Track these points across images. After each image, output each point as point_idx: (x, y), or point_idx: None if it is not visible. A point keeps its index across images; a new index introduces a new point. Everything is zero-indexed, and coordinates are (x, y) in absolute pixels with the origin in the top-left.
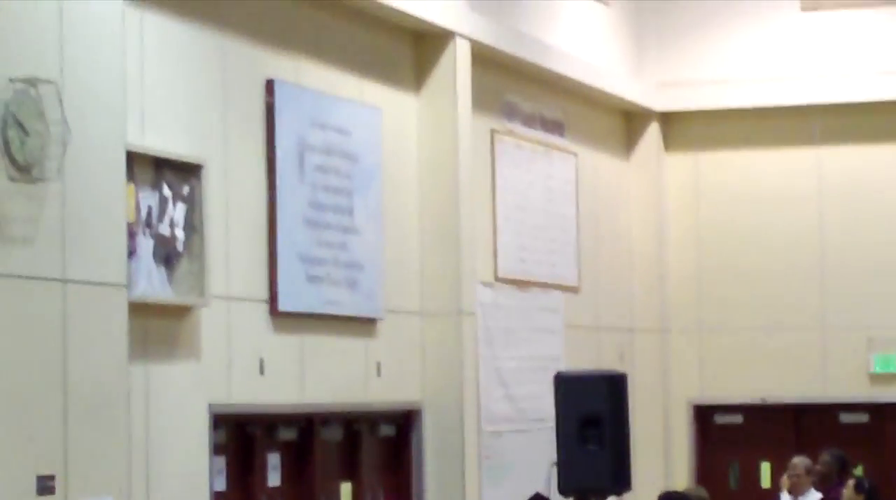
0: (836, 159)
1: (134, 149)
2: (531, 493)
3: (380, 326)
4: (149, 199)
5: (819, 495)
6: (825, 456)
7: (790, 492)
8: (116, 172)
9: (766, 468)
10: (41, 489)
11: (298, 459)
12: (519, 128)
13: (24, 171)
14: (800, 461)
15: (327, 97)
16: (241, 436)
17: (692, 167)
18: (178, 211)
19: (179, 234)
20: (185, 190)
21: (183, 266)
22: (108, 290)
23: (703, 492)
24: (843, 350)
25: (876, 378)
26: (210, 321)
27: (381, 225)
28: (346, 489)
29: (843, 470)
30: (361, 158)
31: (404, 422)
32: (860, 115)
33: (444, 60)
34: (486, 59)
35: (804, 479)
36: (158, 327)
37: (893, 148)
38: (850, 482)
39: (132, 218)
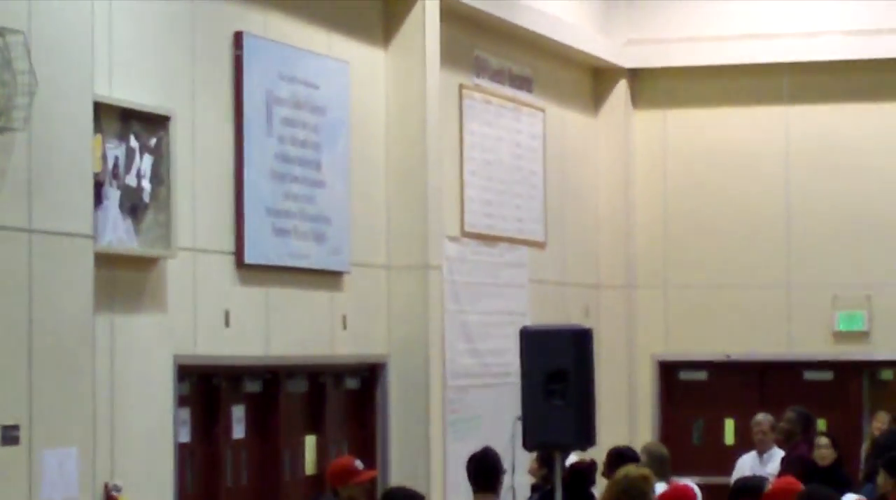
0: (804, 118)
1: (101, 100)
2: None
3: (346, 279)
4: (116, 150)
5: (781, 452)
6: (790, 413)
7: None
8: (83, 122)
9: (730, 425)
10: (5, 439)
11: (263, 411)
12: (487, 83)
13: None
14: (763, 418)
15: (296, 51)
16: (205, 388)
17: (660, 125)
18: (145, 162)
19: (146, 185)
20: (153, 142)
21: (149, 217)
22: (74, 240)
23: (661, 448)
24: (807, 308)
25: (840, 336)
26: (176, 273)
27: (348, 179)
28: (310, 441)
29: (807, 428)
30: (329, 111)
31: (369, 375)
32: (829, 74)
33: (413, 15)
34: (455, 14)
35: (769, 435)
36: (124, 278)
37: (861, 107)
38: (825, 440)
39: (99, 169)
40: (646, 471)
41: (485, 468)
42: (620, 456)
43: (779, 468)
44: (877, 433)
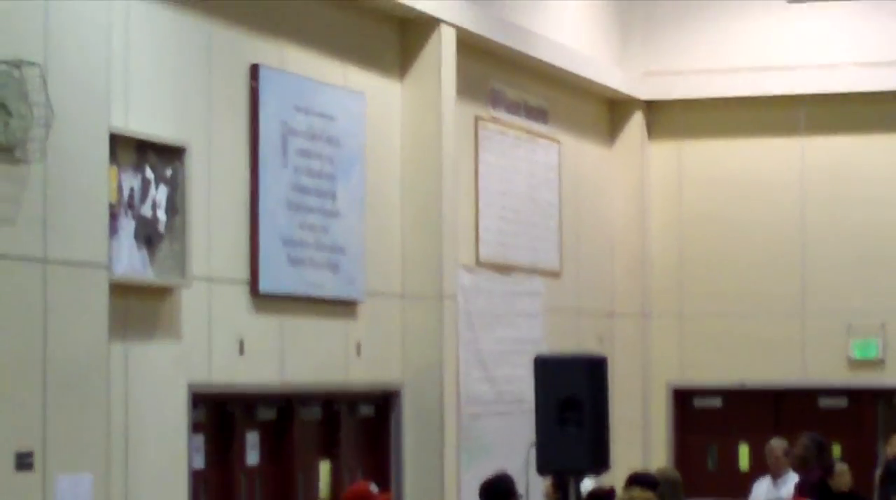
0: (819, 149)
1: (117, 131)
2: (494, 472)
3: (360, 308)
4: (131, 181)
5: (796, 476)
6: (804, 440)
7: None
8: (99, 154)
9: (744, 451)
10: (20, 466)
11: (277, 438)
12: (503, 115)
13: (7, 152)
14: (777, 444)
15: (311, 82)
16: (220, 415)
17: (675, 156)
18: (160, 193)
19: (161, 215)
20: (168, 173)
21: (164, 247)
22: (88, 270)
23: (674, 473)
24: (822, 336)
25: (855, 364)
26: (191, 302)
27: (364, 209)
28: (324, 468)
29: (821, 454)
30: (345, 142)
31: (384, 403)
32: (844, 105)
33: (430, 47)
34: (471, 47)
35: (782, 461)
36: (139, 308)
37: (876, 139)
38: (844, 468)
39: (114, 199)
40: (650, 496)
41: (498, 493)
42: (638, 482)
43: (793, 492)
44: (890, 457)
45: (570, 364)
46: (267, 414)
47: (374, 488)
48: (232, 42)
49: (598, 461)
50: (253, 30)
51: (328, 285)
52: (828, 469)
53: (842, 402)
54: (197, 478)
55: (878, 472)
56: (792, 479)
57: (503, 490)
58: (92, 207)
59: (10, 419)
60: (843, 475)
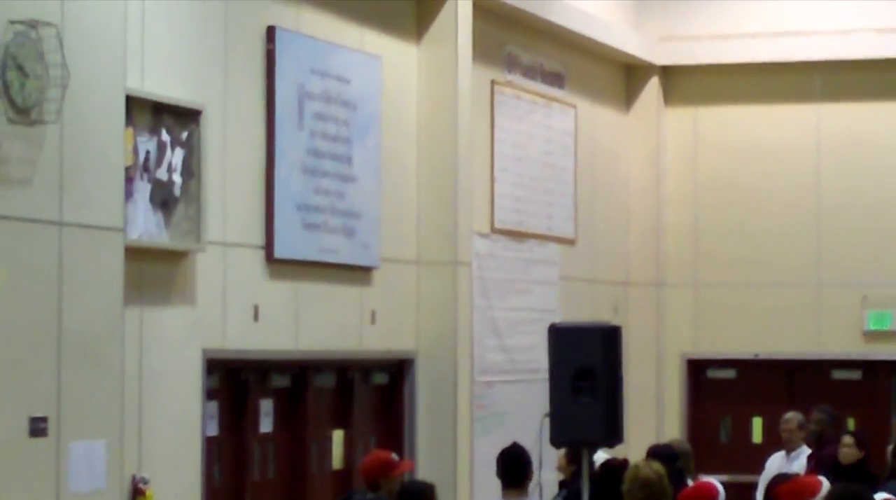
0: (836, 116)
1: (133, 93)
2: (511, 443)
3: (375, 274)
4: (147, 143)
5: (808, 450)
6: (818, 414)
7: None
8: (115, 116)
9: (757, 424)
10: (34, 431)
11: (291, 405)
12: (519, 79)
13: (23, 113)
14: (791, 416)
15: (328, 45)
16: (234, 382)
17: (691, 122)
18: (176, 156)
19: (177, 179)
20: (184, 135)
21: (180, 211)
22: (104, 233)
23: (685, 445)
24: (837, 307)
25: (870, 335)
26: (206, 267)
27: (379, 174)
28: (338, 436)
29: (836, 427)
30: (360, 106)
31: (397, 371)
32: (861, 72)
33: (446, 10)
34: (487, 10)
35: (796, 434)
36: (154, 272)
37: (892, 106)
38: (850, 440)
39: (130, 162)
40: (659, 469)
41: (515, 464)
42: (658, 455)
43: (805, 465)
44: None
45: (585, 333)
46: (281, 381)
47: (394, 457)
48: (248, 4)
49: (612, 433)
50: None
51: (343, 251)
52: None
53: (856, 374)
54: (210, 445)
55: (891, 446)
56: (804, 453)
57: (520, 461)
58: (108, 169)
59: (24, 383)
60: (845, 447)
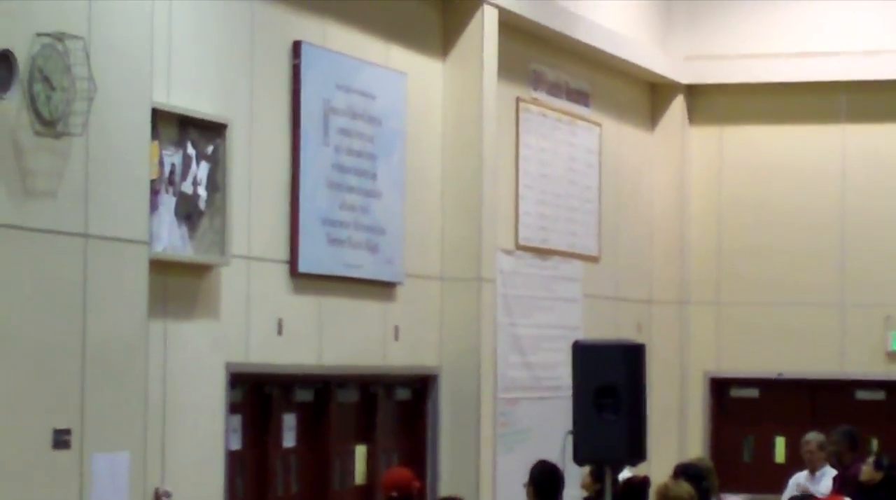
0: (861, 137)
1: (159, 107)
2: (544, 459)
3: (399, 290)
4: (172, 157)
5: (834, 471)
6: (835, 435)
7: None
8: (141, 129)
9: (780, 443)
10: (57, 443)
11: (314, 420)
12: (544, 97)
13: (49, 125)
14: (812, 437)
15: (353, 61)
16: (257, 396)
17: (716, 141)
18: (201, 170)
19: (202, 192)
20: (210, 149)
21: (204, 225)
22: (129, 246)
23: (709, 463)
24: (861, 327)
25: (893, 356)
26: (230, 281)
27: (404, 190)
28: (360, 451)
29: (854, 447)
30: (386, 122)
31: (421, 386)
32: (887, 93)
33: (472, 27)
34: (513, 27)
35: (817, 454)
36: (178, 285)
37: None
38: (870, 460)
39: (155, 175)
40: (689, 488)
41: (551, 481)
42: (686, 472)
43: (831, 486)
44: None
45: (609, 351)
46: (304, 396)
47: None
48: (275, 18)
49: (635, 451)
50: (296, 6)
51: (367, 266)
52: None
53: (879, 394)
54: (233, 459)
55: None
56: (829, 474)
57: (556, 479)
58: (133, 182)
59: (47, 395)
60: (866, 466)
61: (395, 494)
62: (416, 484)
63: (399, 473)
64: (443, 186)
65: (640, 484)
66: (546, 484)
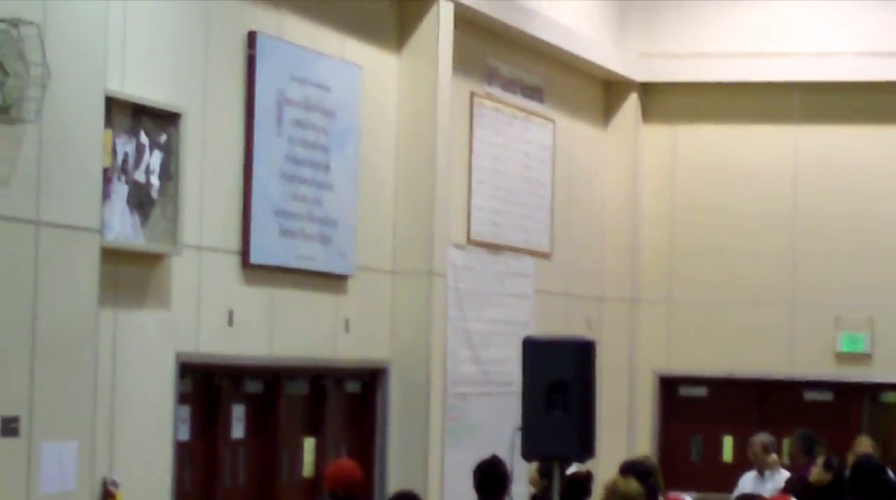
0: (814, 138)
1: (113, 95)
2: (489, 455)
3: (351, 283)
4: (126, 145)
5: (786, 474)
6: (793, 437)
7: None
8: (94, 116)
9: (728, 443)
10: (5, 431)
11: (263, 412)
12: (498, 92)
13: (2, 111)
14: (756, 439)
15: (308, 52)
16: (207, 386)
17: (669, 140)
18: (154, 159)
19: (154, 181)
20: (163, 138)
21: (156, 214)
22: (80, 233)
23: (653, 461)
24: (810, 328)
25: (842, 357)
26: (181, 270)
27: (357, 182)
28: (309, 443)
29: (809, 450)
30: (340, 114)
31: (370, 380)
32: (840, 94)
33: (428, 21)
34: (468, 22)
35: (761, 456)
36: (129, 274)
37: (870, 130)
38: (819, 460)
39: (108, 163)
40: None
41: (493, 477)
42: (632, 469)
43: (780, 487)
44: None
45: (559, 347)
46: (254, 387)
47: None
48: (230, 8)
49: (585, 447)
50: None
51: (319, 259)
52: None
53: (828, 395)
54: (182, 449)
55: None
56: (780, 474)
57: (498, 474)
58: (86, 170)
59: None
60: (815, 468)
61: (340, 493)
62: (359, 479)
63: (343, 470)
64: (396, 179)
65: (584, 480)
66: (486, 479)
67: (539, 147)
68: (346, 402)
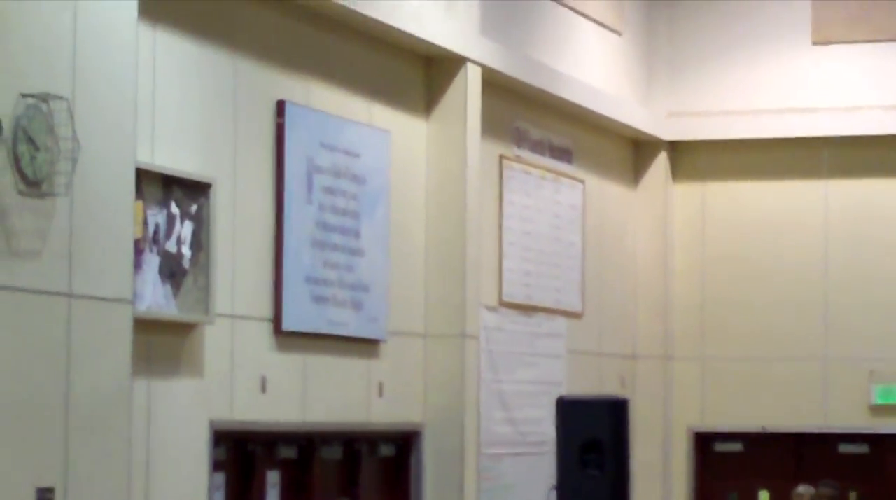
0: (843, 193)
1: (143, 166)
2: None
3: (383, 347)
4: (157, 216)
5: None
6: (822, 488)
7: None
8: (125, 188)
9: (764, 497)
10: None
11: (298, 477)
12: (527, 154)
13: (34, 185)
14: (804, 490)
15: (337, 119)
16: (241, 453)
17: (699, 197)
18: (185, 229)
19: (186, 251)
20: (194, 208)
21: (188, 283)
22: (113, 305)
23: None
24: (844, 381)
25: (876, 409)
26: (214, 339)
27: (388, 247)
28: None
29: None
30: (369, 180)
31: (404, 443)
32: (868, 148)
33: (455, 85)
34: (496, 85)
35: None
36: (162, 344)
37: None
38: None
39: (139, 234)
40: None
41: None
42: None
43: None
44: None
45: (592, 406)
46: (288, 453)
47: None
48: (258, 78)
49: None
50: (279, 66)
51: (351, 324)
52: None
53: (863, 448)
54: None
55: None
56: None
57: None
58: (117, 242)
59: (31, 453)
60: None
61: None
62: None
63: None
64: (426, 243)
65: None
66: None
67: (569, 208)
68: (381, 466)
